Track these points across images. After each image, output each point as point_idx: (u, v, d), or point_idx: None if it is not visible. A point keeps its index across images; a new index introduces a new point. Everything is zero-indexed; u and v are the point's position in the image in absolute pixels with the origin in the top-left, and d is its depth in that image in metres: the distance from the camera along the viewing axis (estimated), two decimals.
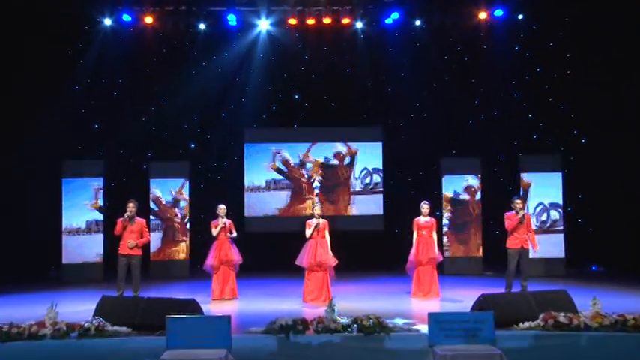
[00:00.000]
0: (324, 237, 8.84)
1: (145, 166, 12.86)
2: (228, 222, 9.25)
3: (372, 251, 12.93)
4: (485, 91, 13.26)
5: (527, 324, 5.97)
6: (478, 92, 13.33)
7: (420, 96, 13.26)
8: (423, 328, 5.82)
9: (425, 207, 9.24)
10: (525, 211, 8.69)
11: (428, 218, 9.25)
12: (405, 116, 13.47)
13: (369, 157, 13.49)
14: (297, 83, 13.58)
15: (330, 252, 8.78)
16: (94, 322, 5.74)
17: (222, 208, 9.27)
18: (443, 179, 12.61)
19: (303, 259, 8.79)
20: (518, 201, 8.74)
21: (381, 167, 13.44)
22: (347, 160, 13.50)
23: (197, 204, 12.58)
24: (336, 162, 13.50)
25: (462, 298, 8.71)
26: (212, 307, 8.37)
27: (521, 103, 13.11)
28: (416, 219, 9.29)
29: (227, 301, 8.95)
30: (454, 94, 13.04)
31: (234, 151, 13.49)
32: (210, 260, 9.19)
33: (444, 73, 13.20)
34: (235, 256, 9.25)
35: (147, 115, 13.19)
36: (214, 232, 9.22)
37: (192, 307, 6.28)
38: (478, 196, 12.46)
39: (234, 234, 9.33)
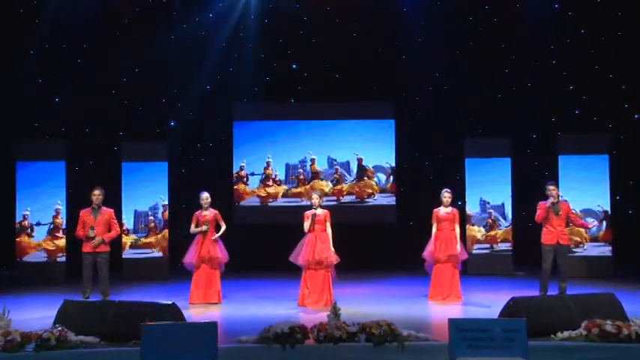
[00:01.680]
0: (325, 230, 8.82)
1: (115, 147, 12.82)
2: (213, 213, 9.19)
3: (382, 247, 12.95)
4: (517, 59, 13.16)
5: (566, 334, 5.97)
6: (509, 60, 13.22)
7: (439, 65, 13.15)
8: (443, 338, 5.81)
9: (447, 195, 9.23)
10: (561, 199, 8.62)
11: (449, 209, 9.24)
12: (421, 89, 13.40)
13: (379, 137, 13.43)
14: (294, 50, 13.51)
15: (331, 248, 8.77)
16: (54, 331, 5.71)
17: (205, 198, 9.19)
18: (466, 163, 12.53)
19: (299, 255, 8.77)
20: (552, 187, 8.64)
21: (393, 149, 13.39)
22: None
23: (177, 191, 12.55)
24: None
25: (488, 303, 8.70)
26: (192, 312, 8.35)
27: (560, 72, 13.02)
28: (436, 209, 9.28)
29: (209, 306, 8.90)
30: (480, 62, 12.97)
31: (221, 129, 13.46)
32: (190, 257, 9.13)
33: (468, 38, 13.12)
34: (220, 253, 9.16)
35: (117, 87, 13.11)
36: (193, 228, 9.13)
37: (172, 312, 6.29)
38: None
39: (223, 227, 9.25)
